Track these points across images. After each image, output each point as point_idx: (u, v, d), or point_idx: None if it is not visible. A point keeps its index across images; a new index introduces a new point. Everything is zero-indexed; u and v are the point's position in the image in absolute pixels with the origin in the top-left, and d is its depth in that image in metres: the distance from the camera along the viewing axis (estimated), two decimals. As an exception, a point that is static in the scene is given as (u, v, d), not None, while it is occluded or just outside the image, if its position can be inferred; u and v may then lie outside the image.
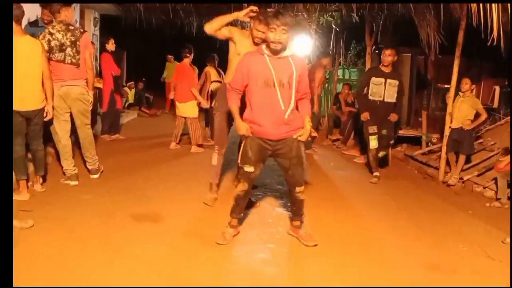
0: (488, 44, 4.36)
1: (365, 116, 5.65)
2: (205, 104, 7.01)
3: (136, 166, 5.54)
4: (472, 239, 3.81)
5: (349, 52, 11.34)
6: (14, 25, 3.67)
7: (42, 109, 4.05)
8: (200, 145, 6.69)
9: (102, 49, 7.34)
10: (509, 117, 6.56)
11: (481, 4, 4.37)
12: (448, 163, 5.86)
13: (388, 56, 5.56)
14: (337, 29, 9.46)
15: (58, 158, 4.61)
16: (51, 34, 4.32)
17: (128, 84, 11.75)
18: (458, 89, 5.73)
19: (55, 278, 2.68)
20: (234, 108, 3.27)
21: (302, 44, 8.85)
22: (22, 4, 3.85)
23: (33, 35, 4.23)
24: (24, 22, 4.25)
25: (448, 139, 5.74)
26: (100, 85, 7.03)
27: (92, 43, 7.25)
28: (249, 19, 3.97)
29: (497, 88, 7.64)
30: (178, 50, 7.22)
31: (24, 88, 3.79)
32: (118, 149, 6.52)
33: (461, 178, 5.67)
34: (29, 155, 4.17)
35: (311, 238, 3.41)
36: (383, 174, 5.78)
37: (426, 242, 3.72)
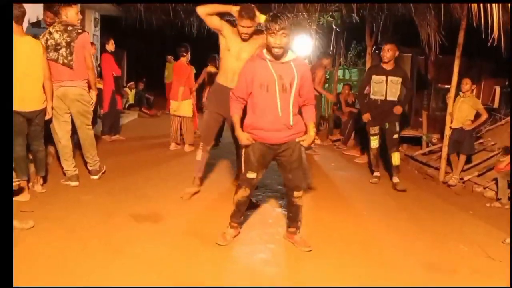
0: (489, 44, 4.36)
1: (366, 117, 5.53)
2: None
3: (136, 166, 5.54)
4: (473, 239, 3.81)
5: (349, 52, 11.36)
6: (14, 25, 3.67)
7: (44, 110, 4.06)
8: (192, 144, 6.69)
9: (103, 49, 7.34)
10: (509, 117, 6.56)
11: (481, 4, 4.37)
12: (449, 163, 5.86)
13: (387, 51, 5.33)
14: (337, 29, 9.46)
15: (59, 159, 4.61)
16: (50, 33, 4.32)
17: (129, 84, 11.75)
18: (458, 89, 5.72)
19: (55, 278, 2.68)
20: (236, 118, 3.21)
21: (302, 44, 8.85)
22: (23, 4, 3.85)
23: (35, 35, 4.24)
24: (25, 22, 4.24)
25: (449, 140, 5.74)
26: (100, 86, 7.03)
27: (93, 43, 7.28)
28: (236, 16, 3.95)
29: (498, 88, 7.63)
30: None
31: (24, 88, 3.79)
32: (118, 150, 6.52)
33: (461, 179, 5.66)
34: (30, 156, 4.17)
35: (305, 244, 3.38)
36: (384, 175, 5.77)
37: (426, 242, 3.72)
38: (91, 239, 3.26)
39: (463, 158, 5.73)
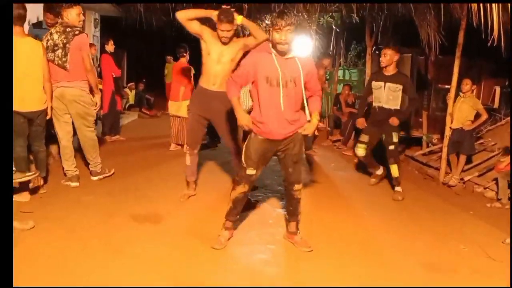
0: (489, 44, 4.36)
1: (359, 122, 5.27)
2: None
3: (136, 167, 5.54)
4: (473, 240, 3.81)
5: (349, 52, 11.36)
6: (14, 26, 3.68)
7: (45, 110, 4.05)
8: (180, 144, 6.69)
9: (103, 50, 7.34)
10: (509, 118, 6.55)
11: (481, 4, 4.37)
12: (448, 163, 5.86)
13: (383, 56, 5.02)
14: (337, 29, 9.47)
15: (60, 159, 4.61)
16: (50, 34, 4.34)
17: (129, 85, 11.75)
18: (458, 89, 5.72)
19: (55, 278, 2.69)
20: (235, 100, 3.16)
21: (302, 44, 8.85)
22: (25, 5, 3.85)
23: (37, 36, 4.24)
24: (26, 23, 4.23)
25: (449, 141, 5.74)
26: (100, 87, 7.03)
27: (93, 44, 7.28)
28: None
29: (498, 89, 7.63)
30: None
31: (24, 88, 3.79)
32: (118, 150, 6.52)
33: (461, 179, 5.66)
34: (31, 156, 4.17)
35: (306, 244, 3.38)
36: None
37: (426, 242, 3.72)
38: (91, 239, 3.26)
39: (463, 158, 5.73)
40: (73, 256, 2.98)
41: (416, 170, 6.47)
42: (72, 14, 4.37)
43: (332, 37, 9.77)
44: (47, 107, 4.06)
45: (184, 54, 6.80)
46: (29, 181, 4.04)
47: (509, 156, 4.84)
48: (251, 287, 2.78)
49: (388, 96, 5.02)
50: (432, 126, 7.34)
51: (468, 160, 5.91)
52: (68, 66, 4.31)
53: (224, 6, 3.96)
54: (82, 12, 4.51)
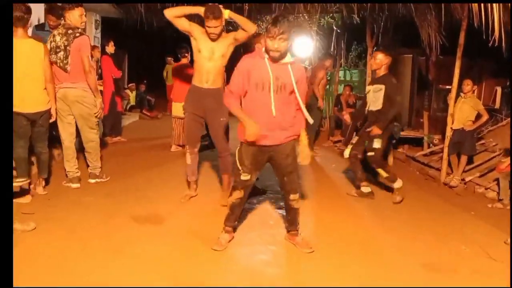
0: (490, 44, 4.36)
1: (346, 116, 5.58)
2: None
3: (137, 168, 5.55)
4: (474, 240, 3.80)
5: (350, 53, 11.36)
6: (15, 27, 3.68)
7: (48, 111, 4.05)
8: (181, 146, 6.69)
9: (103, 51, 7.35)
10: (510, 118, 6.55)
11: (482, 4, 4.37)
12: (449, 164, 5.85)
13: (373, 58, 4.89)
14: (338, 30, 9.47)
15: (61, 160, 4.61)
16: (53, 36, 4.37)
17: (129, 85, 11.75)
18: (459, 90, 5.72)
19: (55, 278, 2.69)
20: (238, 112, 3.07)
21: (303, 45, 8.86)
22: (30, 8, 3.85)
23: (42, 38, 4.25)
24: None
25: (450, 142, 5.73)
26: (100, 88, 7.04)
27: (96, 46, 7.28)
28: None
29: (499, 89, 7.64)
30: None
31: (24, 88, 3.79)
32: (119, 151, 6.53)
33: (463, 179, 5.65)
34: (33, 157, 4.18)
35: (307, 245, 3.37)
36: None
37: (426, 242, 3.71)
38: (92, 239, 3.26)
39: (464, 159, 5.72)
40: (73, 256, 2.98)
41: (417, 171, 6.47)
42: (75, 16, 4.39)
43: (333, 38, 9.78)
44: (50, 108, 4.07)
45: (186, 55, 6.81)
46: (30, 183, 4.05)
47: (510, 157, 4.83)
48: (251, 287, 2.77)
49: (371, 98, 4.83)
50: (433, 126, 7.35)
51: (469, 161, 5.90)
52: (69, 68, 4.32)
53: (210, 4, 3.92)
54: (85, 13, 4.52)
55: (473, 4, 4.50)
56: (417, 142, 7.44)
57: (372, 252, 3.43)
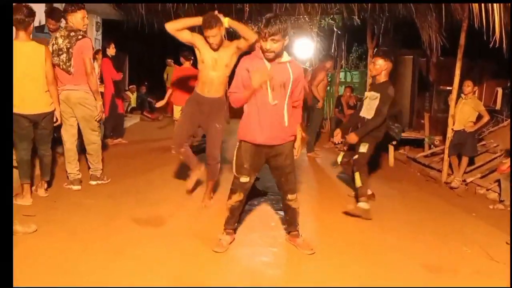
0: (490, 45, 4.36)
1: (337, 131, 4.89)
2: None
3: (138, 170, 5.55)
4: (474, 240, 3.79)
5: (350, 54, 11.37)
6: (16, 30, 3.69)
7: (50, 113, 4.05)
8: None
9: (104, 54, 7.35)
10: (510, 119, 6.54)
11: (482, 5, 4.37)
12: (450, 165, 5.84)
13: (372, 64, 4.64)
14: (339, 31, 9.48)
15: (62, 163, 4.61)
16: (55, 38, 4.38)
17: (130, 87, 11.75)
18: (460, 91, 5.71)
19: (55, 278, 2.69)
20: (245, 94, 3.06)
21: (304, 47, 8.86)
22: (33, 11, 3.86)
23: (45, 39, 4.26)
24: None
25: (451, 143, 5.72)
26: (101, 89, 7.04)
27: (100, 50, 7.29)
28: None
29: (500, 90, 7.63)
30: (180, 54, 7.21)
31: (25, 89, 3.80)
32: (120, 153, 6.54)
33: (464, 180, 5.65)
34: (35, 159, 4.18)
35: (308, 246, 3.37)
36: (384, 176, 5.74)
37: (427, 243, 3.71)
38: (92, 241, 3.26)
39: (465, 160, 5.72)
40: (74, 257, 2.98)
41: (418, 172, 6.46)
42: (77, 18, 4.40)
43: (334, 39, 9.78)
44: (52, 110, 4.07)
45: (191, 57, 6.79)
46: (31, 185, 4.05)
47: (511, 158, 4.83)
48: (251, 287, 2.78)
49: (366, 105, 4.60)
50: (434, 127, 7.34)
51: (470, 162, 5.89)
52: (72, 70, 4.34)
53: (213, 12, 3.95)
54: (87, 16, 4.53)
55: (473, 5, 4.49)
56: (418, 143, 7.44)
57: (372, 252, 3.43)
